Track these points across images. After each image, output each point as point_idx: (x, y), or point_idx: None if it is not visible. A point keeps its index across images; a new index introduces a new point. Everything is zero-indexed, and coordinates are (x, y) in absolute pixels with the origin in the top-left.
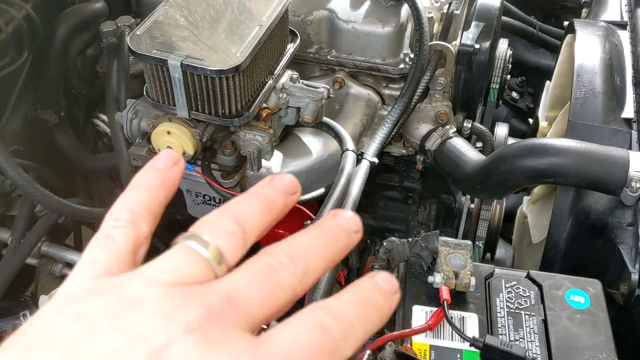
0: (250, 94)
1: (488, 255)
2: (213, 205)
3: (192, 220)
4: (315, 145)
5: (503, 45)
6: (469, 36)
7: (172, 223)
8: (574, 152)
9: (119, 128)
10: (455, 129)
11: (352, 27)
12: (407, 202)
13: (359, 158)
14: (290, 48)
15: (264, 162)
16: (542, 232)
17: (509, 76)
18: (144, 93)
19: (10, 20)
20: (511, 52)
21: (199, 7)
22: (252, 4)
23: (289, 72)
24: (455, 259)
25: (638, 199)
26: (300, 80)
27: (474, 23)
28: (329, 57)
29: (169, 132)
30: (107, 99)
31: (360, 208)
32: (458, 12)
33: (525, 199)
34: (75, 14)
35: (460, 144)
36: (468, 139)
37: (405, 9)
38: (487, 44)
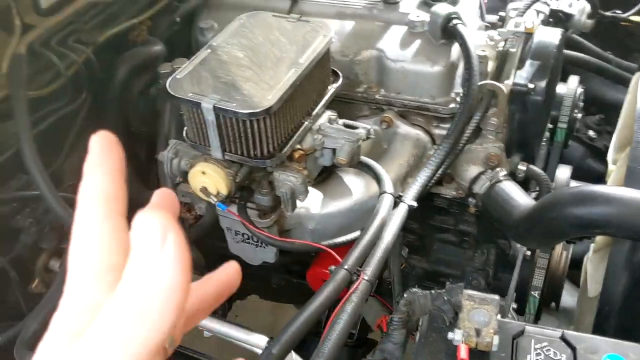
0: (283, 135)
1: (553, 304)
2: (252, 243)
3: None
4: (356, 186)
5: (573, 82)
6: (522, 75)
7: (224, 256)
8: (627, 201)
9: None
10: (505, 172)
11: (401, 66)
12: (462, 246)
13: (397, 201)
14: (331, 89)
15: (303, 202)
16: (599, 285)
17: (579, 115)
18: (184, 135)
19: (71, 64)
20: (582, 89)
21: (241, 51)
22: (290, 46)
23: (328, 113)
24: (479, 315)
25: None
26: (339, 121)
27: (528, 62)
28: (377, 96)
29: (204, 173)
30: (159, 138)
31: (414, 250)
32: (514, 50)
33: (592, 246)
34: (133, 56)
35: (509, 188)
36: (525, 182)
37: (456, 48)
38: (542, 84)
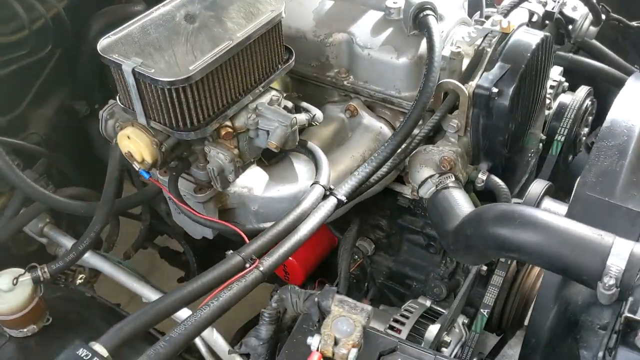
0: (211, 109)
1: None
2: None
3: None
4: (304, 173)
5: (580, 93)
6: (488, 77)
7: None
8: (546, 227)
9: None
10: (454, 179)
11: (368, 53)
12: (429, 251)
13: (327, 194)
14: (281, 67)
15: (245, 182)
16: None
17: (586, 129)
18: (117, 97)
19: (37, 18)
20: (591, 102)
21: (184, 19)
22: (234, 18)
23: (272, 93)
24: (343, 324)
25: (617, 299)
26: (286, 103)
27: (498, 64)
28: (345, 82)
29: (129, 137)
30: None
31: (382, 247)
32: (491, 49)
33: None
34: (110, 13)
35: (454, 197)
36: (488, 195)
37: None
38: (510, 89)
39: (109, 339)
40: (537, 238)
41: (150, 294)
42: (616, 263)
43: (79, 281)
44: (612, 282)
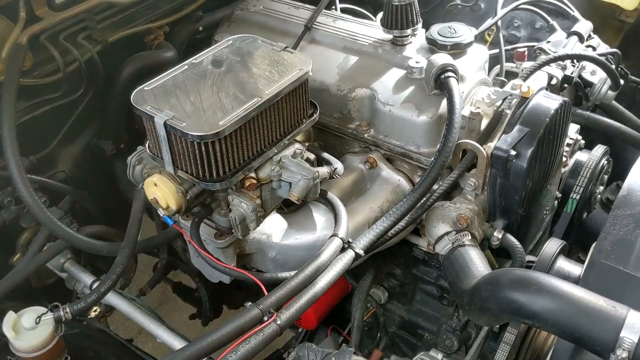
0: (237, 161)
1: None
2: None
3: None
4: (323, 222)
5: (596, 152)
6: (507, 140)
7: None
8: (561, 296)
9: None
10: (471, 237)
11: (389, 110)
12: (442, 302)
13: (345, 247)
14: (305, 122)
15: (264, 229)
16: None
17: (601, 187)
18: (146, 145)
19: (72, 62)
20: (607, 161)
21: (215, 73)
22: (263, 75)
23: (296, 146)
24: None
25: None
26: (308, 155)
27: (517, 127)
28: (366, 135)
29: (156, 184)
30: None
31: (395, 296)
32: (510, 111)
33: None
34: (140, 59)
35: (470, 255)
36: (502, 250)
37: None
38: (527, 152)
39: None
40: (552, 306)
41: (165, 336)
42: (629, 336)
43: (93, 313)
44: (624, 355)
